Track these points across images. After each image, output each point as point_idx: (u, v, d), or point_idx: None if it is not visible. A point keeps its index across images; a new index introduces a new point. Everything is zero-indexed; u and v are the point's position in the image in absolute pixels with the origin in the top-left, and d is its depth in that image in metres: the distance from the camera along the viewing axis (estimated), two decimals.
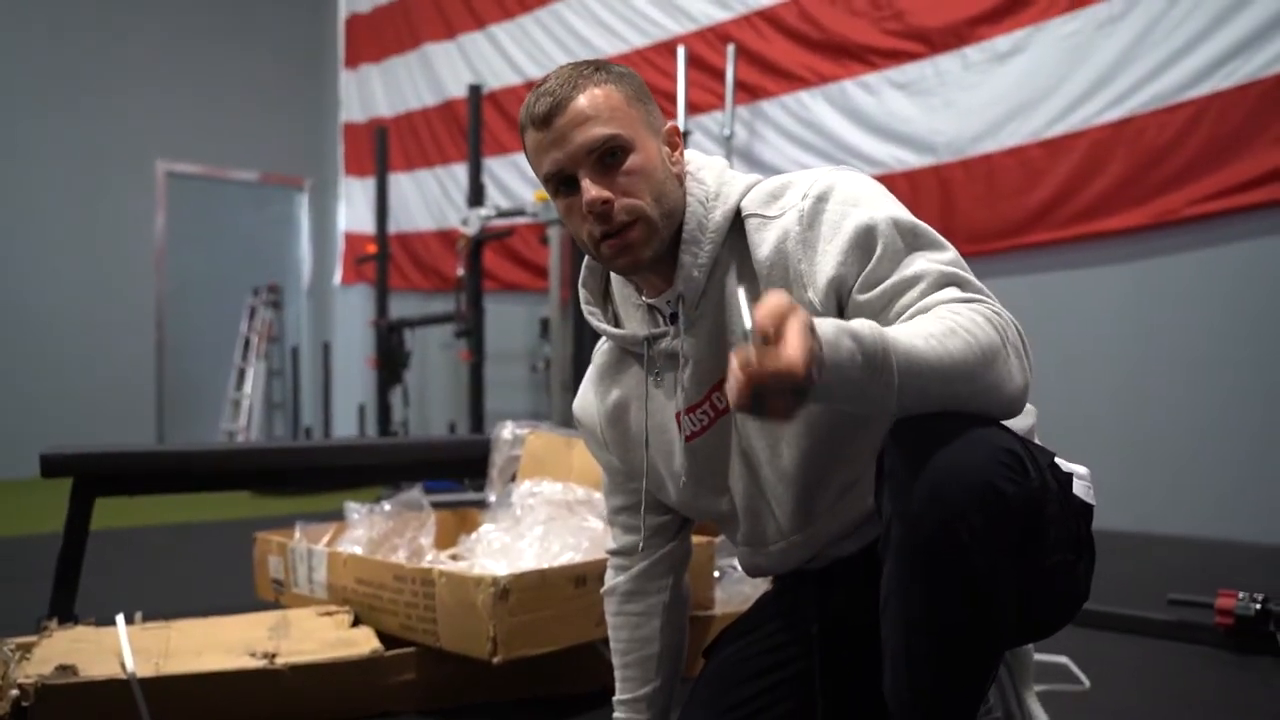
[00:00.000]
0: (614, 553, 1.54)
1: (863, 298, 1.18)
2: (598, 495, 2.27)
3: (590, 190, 1.23)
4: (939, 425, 1.07)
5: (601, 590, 1.55)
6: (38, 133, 7.66)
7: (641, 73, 6.42)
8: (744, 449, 1.34)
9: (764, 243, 1.25)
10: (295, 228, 9.30)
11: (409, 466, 3.02)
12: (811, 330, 0.96)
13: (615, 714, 1.53)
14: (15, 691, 1.76)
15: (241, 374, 8.56)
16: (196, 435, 8.33)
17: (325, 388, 8.55)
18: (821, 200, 1.22)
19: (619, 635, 1.53)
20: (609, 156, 1.23)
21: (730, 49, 5.53)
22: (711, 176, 1.32)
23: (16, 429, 6.98)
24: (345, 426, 8.73)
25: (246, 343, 8.63)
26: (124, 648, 1.90)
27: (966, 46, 4.73)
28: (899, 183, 4.98)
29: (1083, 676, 2.09)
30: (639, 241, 1.25)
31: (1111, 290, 4.38)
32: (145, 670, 1.85)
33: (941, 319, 1.08)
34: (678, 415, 1.36)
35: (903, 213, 1.21)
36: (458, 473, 3.64)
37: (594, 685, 2.06)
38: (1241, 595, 2.39)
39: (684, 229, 1.28)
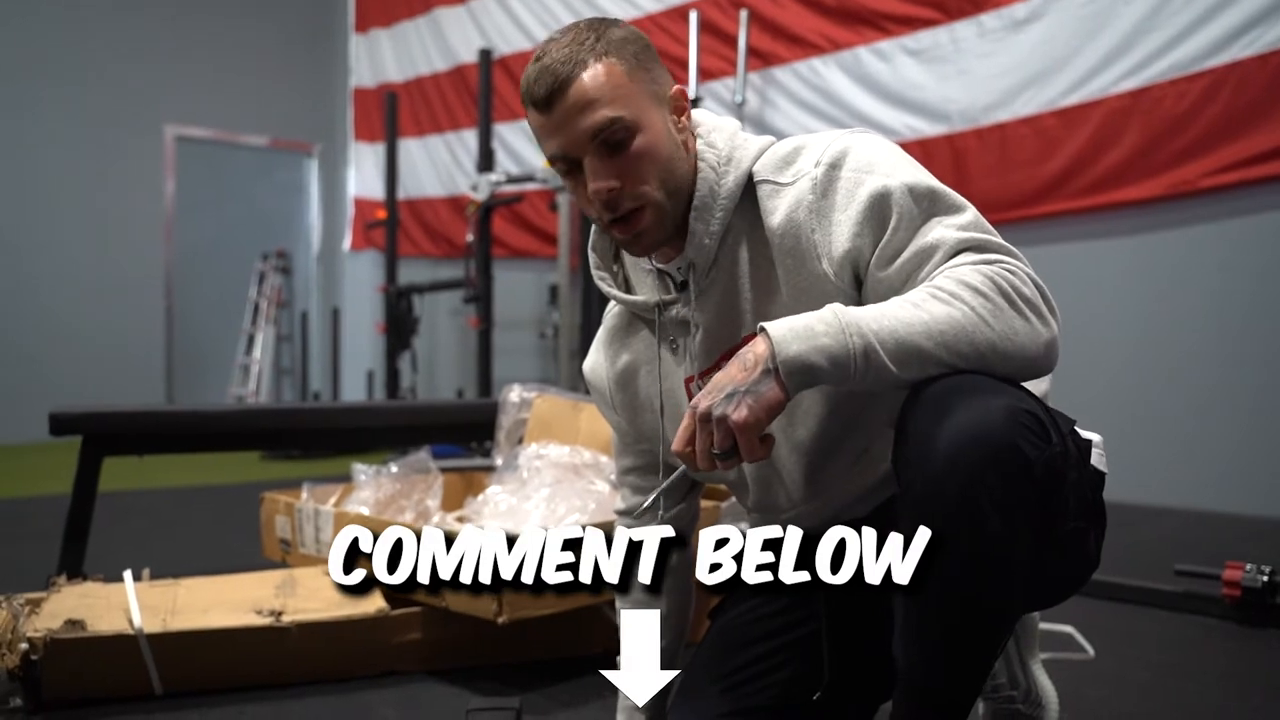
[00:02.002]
0: (622, 513, 1.53)
1: (881, 274, 1.16)
2: (604, 459, 2.26)
3: (594, 180, 1.20)
4: (959, 385, 1.06)
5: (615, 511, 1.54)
6: (48, 98, 7.64)
7: (653, 38, 6.36)
8: None
9: (776, 210, 1.22)
10: (305, 193, 9.28)
11: (417, 429, 3.02)
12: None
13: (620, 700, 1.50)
14: (25, 645, 1.77)
15: (250, 339, 8.57)
16: (205, 400, 8.36)
17: (334, 353, 8.56)
18: (835, 167, 1.19)
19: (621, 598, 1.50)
20: (613, 139, 1.18)
21: (743, 14, 5.48)
22: (723, 140, 1.28)
23: (26, 393, 7.00)
24: (354, 392, 8.75)
25: (256, 308, 8.65)
26: (131, 604, 1.91)
27: (983, 13, 4.67)
28: (912, 151, 4.83)
29: (1088, 645, 2.08)
30: (649, 227, 1.23)
31: (1124, 261, 4.35)
32: (152, 626, 1.85)
33: (926, 286, 1.09)
34: (687, 381, 1.35)
35: (919, 175, 1.17)
36: (465, 436, 3.65)
37: (599, 648, 2.07)
38: (1249, 567, 2.38)
39: (695, 195, 1.25)
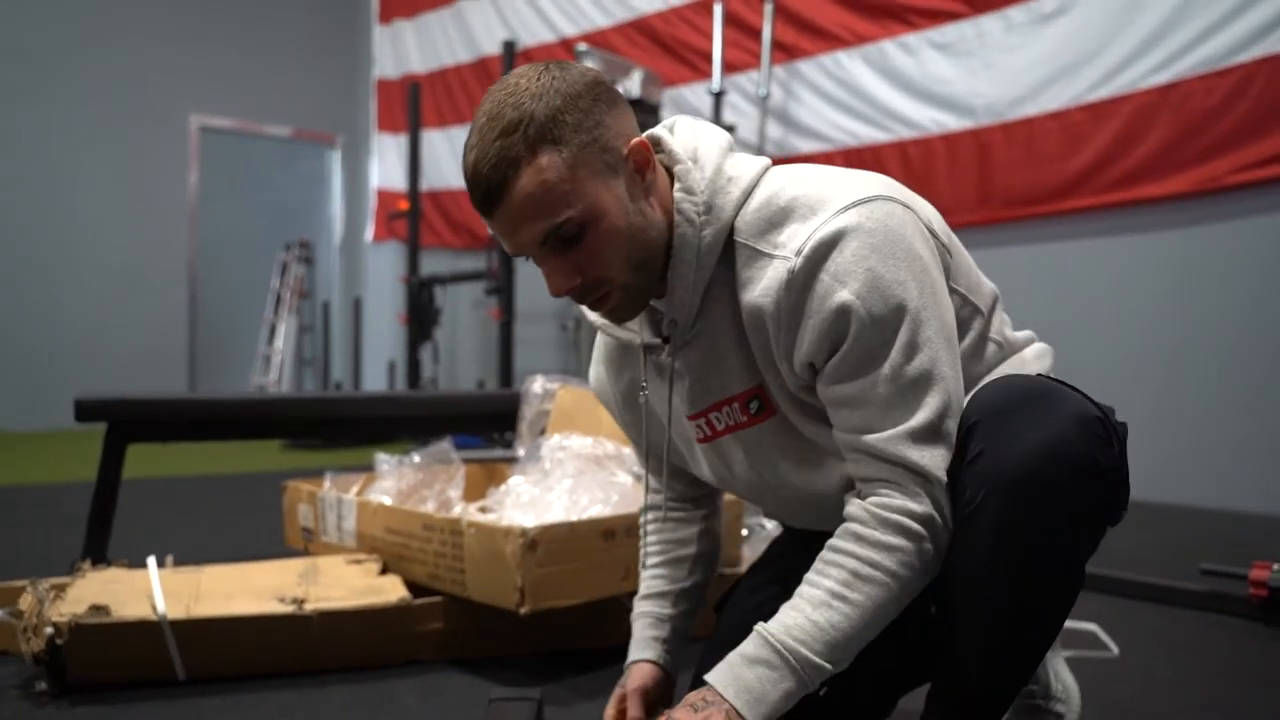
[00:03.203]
0: (651, 489, 1.49)
1: (824, 389, 1.12)
2: (627, 450, 2.26)
3: (552, 279, 1.13)
4: (1025, 392, 1.09)
5: (640, 519, 1.52)
6: (73, 88, 7.70)
7: (677, 31, 6.36)
8: (742, 462, 1.29)
9: (750, 283, 1.13)
10: (327, 184, 9.32)
11: (438, 419, 3.03)
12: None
13: (635, 612, 1.47)
14: (49, 630, 1.78)
15: (273, 329, 8.62)
16: (227, 389, 8.41)
17: (355, 343, 8.60)
18: (816, 264, 1.07)
19: (652, 539, 1.48)
20: (565, 237, 1.10)
21: (768, 7, 5.46)
22: (703, 181, 1.16)
23: (51, 382, 7.07)
24: (375, 382, 8.78)
25: (278, 298, 8.69)
26: (155, 589, 1.92)
27: (1010, 6, 4.64)
28: (937, 146, 4.92)
29: (1111, 643, 2.07)
30: (619, 306, 1.18)
31: (1152, 258, 4.31)
32: (175, 612, 1.86)
33: (844, 575, 1.09)
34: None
35: (898, 299, 1.06)
36: (487, 427, 3.65)
37: (621, 640, 2.06)
38: (1276, 566, 2.35)
39: (673, 252, 1.16)
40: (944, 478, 1.08)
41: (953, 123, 4.87)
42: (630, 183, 1.13)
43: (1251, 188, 3.98)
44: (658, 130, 1.23)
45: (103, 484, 2.51)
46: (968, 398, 1.13)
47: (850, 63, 5.26)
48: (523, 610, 1.84)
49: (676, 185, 1.16)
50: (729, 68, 5.65)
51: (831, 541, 1.12)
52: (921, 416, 1.07)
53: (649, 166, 1.14)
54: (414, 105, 7.07)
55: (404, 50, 8.55)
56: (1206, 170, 4.07)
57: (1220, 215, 4.10)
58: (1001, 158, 4.70)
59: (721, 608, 1.53)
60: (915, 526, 1.08)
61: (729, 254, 1.16)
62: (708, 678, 1.11)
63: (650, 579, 1.47)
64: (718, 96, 5.49)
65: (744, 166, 1.18)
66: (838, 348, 1.08)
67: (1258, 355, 4.01)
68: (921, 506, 1.08)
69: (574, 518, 2.01)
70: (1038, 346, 1.31)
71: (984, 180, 4.75)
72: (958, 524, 1.09)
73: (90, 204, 7.78)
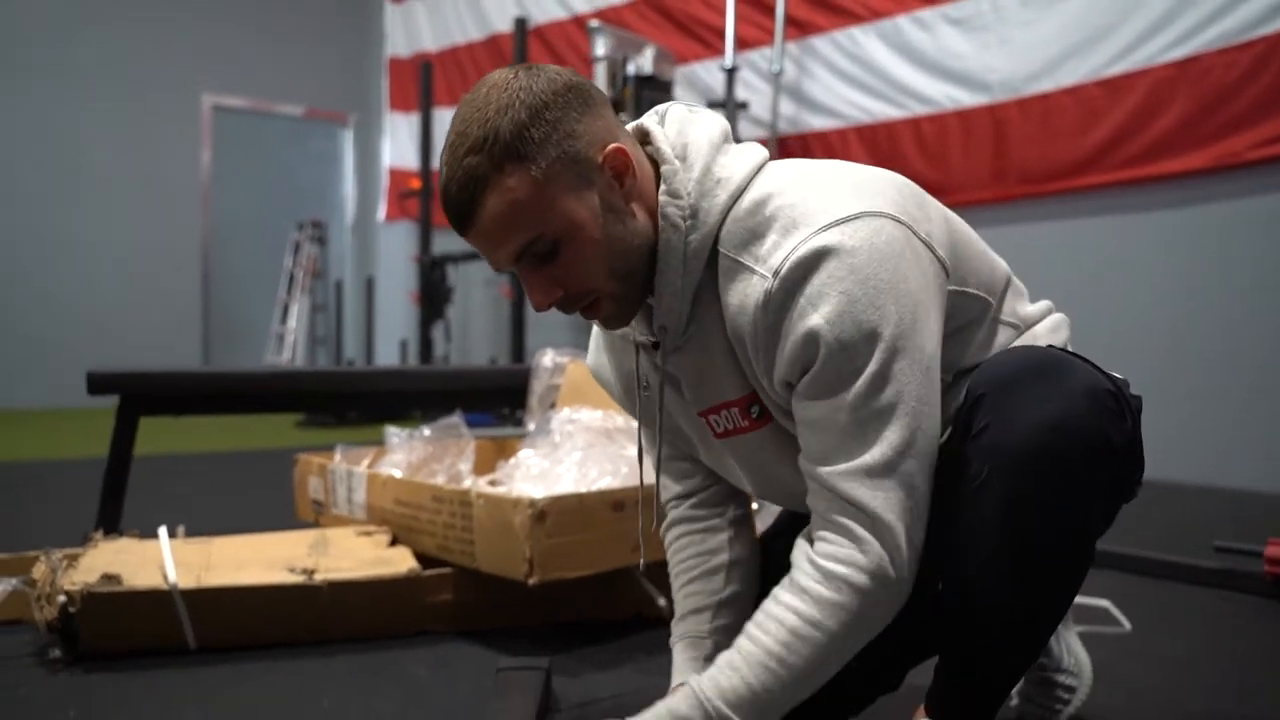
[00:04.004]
0: (669, 500, 1.42)
1: (796, 404, 1.09)
2: (636, 423, 2.25)
3: (533, 295, 1.10)
4: (1033, 364, 1.06)
5: (661, 530, 1.44)
6: (86, 67, 7.70)
7: (690, 7, 6.30)
8: (745, 464, 1.26)
9: (730, 293, 1.10)
10: (339, 163, 9.32)
11: (450, 394, 3.02)
12: None
13: (672, 637, 1.38)
14: (62, 598, 1.79)
15: (286, 308, 8.63)
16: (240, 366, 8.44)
17: (368, 322, 8.61)
18: (795, 285, 1.03)
19: (680, 556, 1.39)
20: (540, 253, 1.07)
21: None
22: (690, 182, 1.11)
23: (64, 360, 7.09)
24: (387, 361, 8.80)
25: (291, 278, 8.70)
26: (166, 560, 1.93)
27: None
28: (951, 122, 4.88)
29: (1124, 620, 2.06)
30: (609, 315, 1.14)
31: (1170, 234, 4.27)
32: (186, 581, 1.87)
33: (783, 631, 1.06)
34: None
35: (871, 326, 1.02)
36: (498, 402, 3.64)
37: (630, 611, 2.06)
38: None
39: (658, 259, 1.12)
40: (896, 522, 1.03)
41: (967, 99, 4.83)
42: (608, 190, 1.08)
43: (1271, 163, 3.93)
44: (647, 121, 1.18)
45: (115, 456, 2.52)
46: (977, 369, 1.11)
47: (865, 38, 5.22)
48: (531, 581, 1.84)
49: (662, 188, 1.11)
50: (742, 44, 5.61)
51: (776, 591, 1.09)
52: (878, 452, 1.03)
53: (628, 171, 1.09)
54: (426, 84, 7.05)
55: (416, 28, 8.53)
56: (1225, 146, 4.02)
57: (1240, 191, 4.05)
58: (1017, 134, 4.66)
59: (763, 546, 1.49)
60: (860, 581, 1.03)
61: (715, 261, 1.12)
62: None
63: (684, 598, 1.37)
64: (730, 73, 5.45)
65: (735, 165, 1.13)
66: (807, 370, 1.04)
67: (1273, 335, 3.97)
68: (868, 558, 1.03)
69: (583, 490, 2.00)
70: (1053, 319, 1.27)
71: (999, 157, 4.71)
72: (964, 498, 1.07)
73: (104, 183, 7.80)
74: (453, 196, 1.06)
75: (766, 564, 1.40)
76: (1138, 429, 1.08)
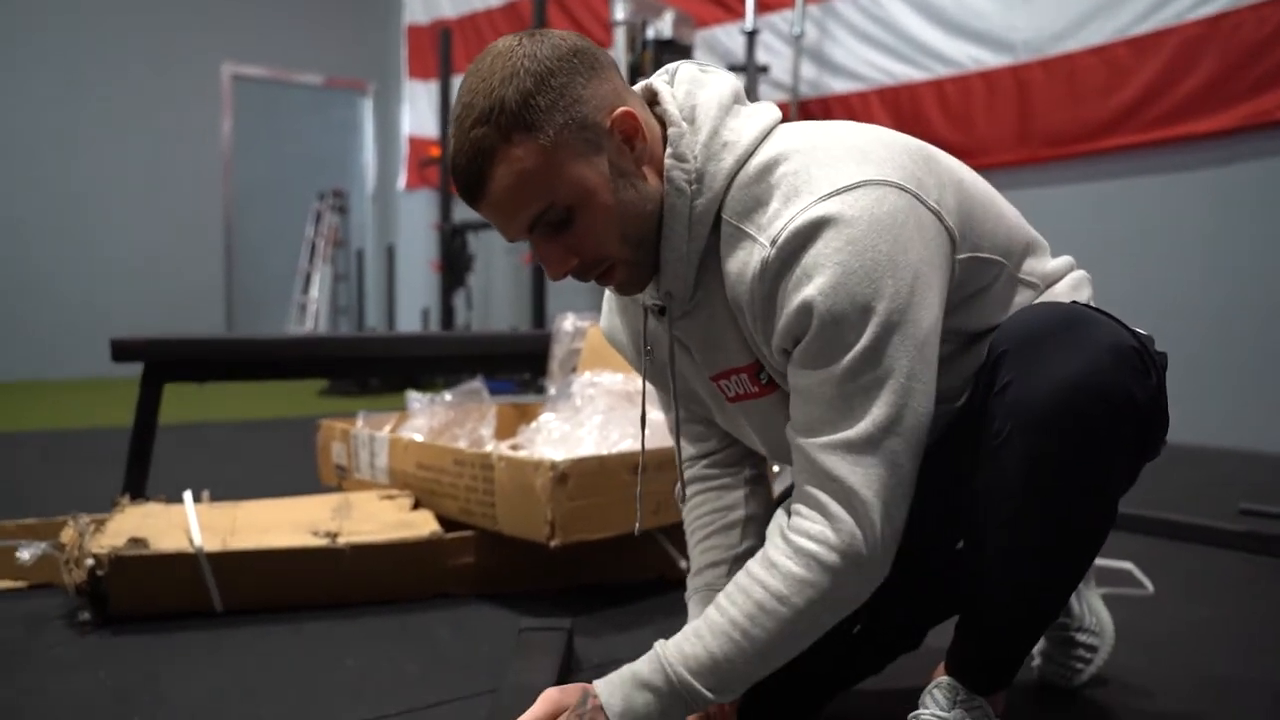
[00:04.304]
0: (685, 460, 1.40)
1: (790, 376, 1.08)
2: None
3: (549, 266, 1.10)
4: (1055, 319, 1.05)
5: (675, 495, 1.41)
6: (106, 37, 7.71)
7: None
8: (759, 428, 1.25)
9: (730, 260, 1.09)
10: (359, 132, 9.31)
11: (472, 359, 3.03)
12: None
13: (688, 591, 1.38)
14: (90, 561, 1.81)
15: (308, 278, 8.66)
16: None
17: (389, 291, 8.64)
18: (793, 256, 1.02)
19: (697, 512, 1.38)
20: (552, 222, 1.06)
21: None
22: (696, 145, 1.09)
23: (88, 331, 7.15)
24: (409, 329, 8.82)
25: (313, 247, 8.72)
26: (191, 523, 1.95)
27: None
28: (975, 83, 4.82)
29: (1147, 581, 2.04)
30: (626, 279, 1.13)
31: (1198, 195, 4.21)
32: (212, 545, 1.89)
33: (750, 600, 1.06)
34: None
35: (864, 301, 1.00)
36: (519, 367, 3.65)
37: (651, 574, 2.07)
38: None
39: (663, 224, 1.10)
40: (873, 499, 1.02)
41: (991, 59, 4.76)
42: (618, 155, 1.07)
43: None
44: (656, 82, 1.15)
45: (140, 423, 2.54)
46: (1000, 326, 1.10)
47: None
48: (553, 543, 1.85)
49: (668, 151, 1.09)
50: (762, 7, 5.55)
51: (749, 564, 1.09)
52: (862, 427, 1.01)
53: (637, 135, 1.07)
54: (445, 51, 7.02)
55: None
56: (1256, 104, 3.95)
57: (1271, 150, 3.98)
58: (1041, 95, 4.59)
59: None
60: (830, 559, 1.03)
61: (718, 225, 1.11)
62: (597, 686, 1.09)
63: (700, 553, 1.36)
64: (751, 36, 5.40)
65: (743, 128, 1.11)
66: (800, 340, 1.03)
67: None
68: (839, 536, 1.02)
69: (604, 452, 2.01)
70: (1074, 277, 1.25)
71: (1023, 118, 4.65)
72: (985, 455, 1.07)
73: (125, 154, 7.82)
74: (462, 169, 1.05)
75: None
76: (1162, 385, 1.07)
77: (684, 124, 1.10)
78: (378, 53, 9.17)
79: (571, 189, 1.04)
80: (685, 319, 1.17)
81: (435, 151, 7.41)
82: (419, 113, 8.80)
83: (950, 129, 4.89)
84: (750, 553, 1.32)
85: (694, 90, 1.12)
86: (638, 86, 1.16)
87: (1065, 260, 1.27)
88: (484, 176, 1.03)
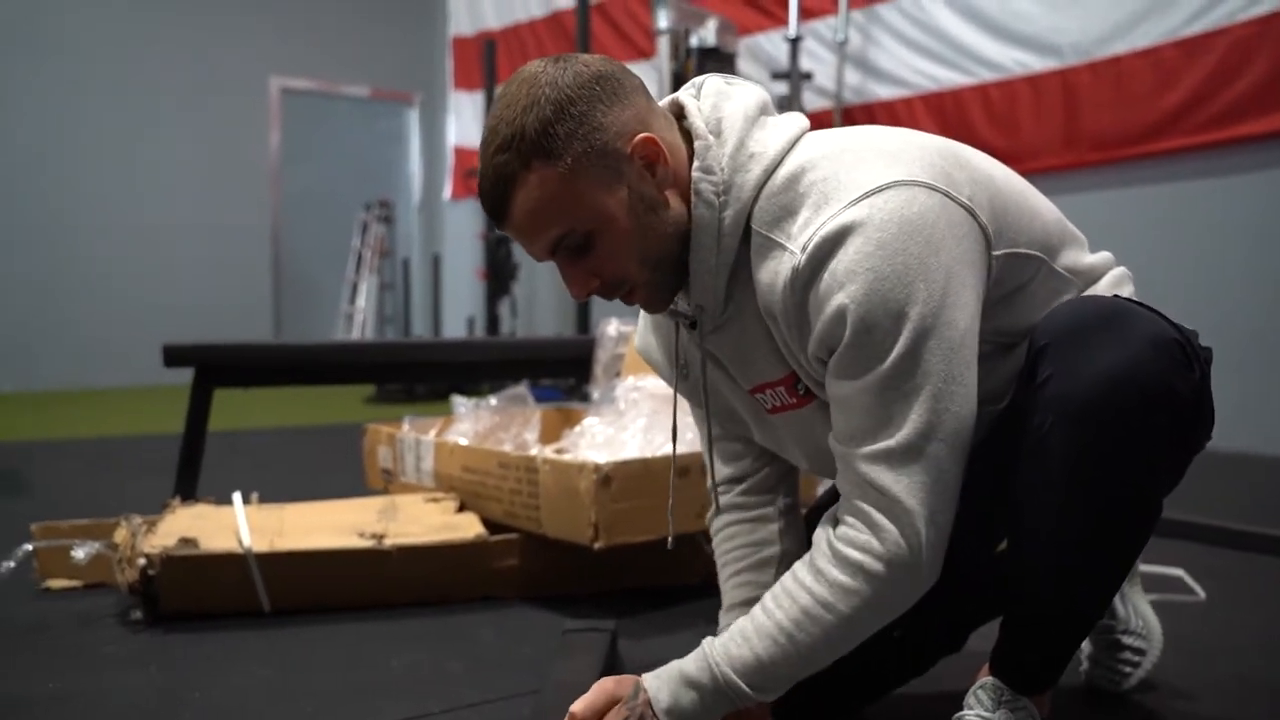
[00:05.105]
0: (717, 485, 1.40)
1: (828, 385, 1.08)
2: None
3: (571, 286, 1.12)
4: (1098, 313, 1.04)
5: (706, 519, 1.43)
6: (156, 52, 7.87)
7: None
8: (801, 440, 1.24)
9: (762, 271, 1.09)
10: (405, 143, 9.41)
11: (516, 364, 3.05)
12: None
13: (720, 623, 1.36)
14: (142, 561, 1.85)
15: (354, 288, 8.75)
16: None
17: (435, 300, 8.70)
18: (822, 263, 1.02)
19: (730, 545, 1.37)
20: (572, 246, 1.09)
21: None
22: (723, 157, 1.10)
23: (138, 340, 7.26)
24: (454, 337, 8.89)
25: (359, 257, 8.81)
26: (240, 524, 1.98)
27: None
28: (1020, 88, 4.78)
29: (1198, 589, 2.01)
30: (646, 299, 1.15)
31: (1249, 199, 4.14)
32: (260, 546, 1.92)
33: (797, 601, 1.07)
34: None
35: (904, 310, 0.99)
36: (564, 371, 3.67)
37: (695, 578, 2.07)
38: None
39: (692, 238, 1.11)
40: (918, 507, 1.02)
41: (1036, 63, 4.72)
42: (639, 180, 1.08)
43: None
44: (683, 95, 1.16)
45: (191, 426, 2.58)
46: (1041, 320, 1.09)
47: (930, 4, 5.12)
48: (596, 545, 1.85)
49: (695, 164, 1.10)
50: (806, 13, 5.54)
51: (795, 567, 1.10)
52: (902, 435, 1.01)
53: (658, 159, 1.08)
54: (489, 62, 7.08)
55: (479, 7, 8.56)
56: None
57: None
58: (1088, 98, 4.54)
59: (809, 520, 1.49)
60: (875, 568, 1.03)
61: (749, 238, 1.11)
62: (646, 680, 1.11)
63: (733, 588, 1.36)
64: (794, 43, 5.39)
65: (769, 139, 1.11)
66: (834, 349, 1.03)
67: None
68: (884, 546, 1.03)
69: (648, 455, 2.01)
70: (1115, 274, 1.23)
71: (1070, 122, 4.61)
72: (1027, 449, 1.06)
73: (177, 167, 7.96)
74: (486, 193, 1.08)
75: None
76: (1206, 380, 1.06)
77: (710, 137, 1.11)
78: (423, 64, 9.27)
79: (590, 215, 1.06)
80: (717, 333, 1.18)
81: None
82: (464, 123, 8.88)
83: (995, 134, 4.85)
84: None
85: (719, 103, 1.13)
86: (664, 102, 1.17)
87: (1105, 256, 1.26)
88: (506, 201, 1.07)
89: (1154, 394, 1.00)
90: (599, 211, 1.06)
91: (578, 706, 1.11)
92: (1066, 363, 1.02)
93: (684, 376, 1.28)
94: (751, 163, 1.09)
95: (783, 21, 5.67)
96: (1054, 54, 4.64)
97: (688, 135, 1.13)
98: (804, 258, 1.02)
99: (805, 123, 1.14)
